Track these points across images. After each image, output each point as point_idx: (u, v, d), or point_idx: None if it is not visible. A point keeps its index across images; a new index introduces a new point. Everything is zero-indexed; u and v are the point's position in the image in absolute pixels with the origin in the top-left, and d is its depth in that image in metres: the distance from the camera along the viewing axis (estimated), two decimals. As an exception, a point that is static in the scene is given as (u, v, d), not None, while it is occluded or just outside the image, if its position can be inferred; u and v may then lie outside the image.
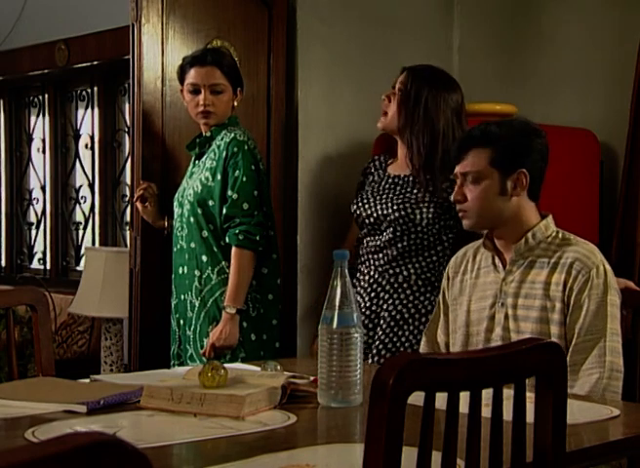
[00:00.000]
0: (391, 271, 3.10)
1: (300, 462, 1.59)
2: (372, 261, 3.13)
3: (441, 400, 1.35)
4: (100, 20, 4.89)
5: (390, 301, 3.09)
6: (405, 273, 3.09)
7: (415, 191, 3.10)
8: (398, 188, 3.14)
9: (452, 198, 2.51)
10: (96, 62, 5.12)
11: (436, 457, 1.37)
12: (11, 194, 5.87)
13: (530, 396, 1.48)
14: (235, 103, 3.20)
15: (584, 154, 3.70)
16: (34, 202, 5.77)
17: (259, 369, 2.34)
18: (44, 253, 5.70)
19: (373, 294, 3.11)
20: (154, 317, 3.43)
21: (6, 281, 5.31)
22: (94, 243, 5.36)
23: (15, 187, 5.87)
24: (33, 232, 5.80)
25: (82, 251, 5.41)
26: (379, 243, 3.11)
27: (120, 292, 3.87)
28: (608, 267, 2.41)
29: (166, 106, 3.45)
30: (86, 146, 5.44)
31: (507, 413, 1.45)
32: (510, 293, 2.45)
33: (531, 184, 2.45)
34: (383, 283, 3.11)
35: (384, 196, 3.14)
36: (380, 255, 3.11)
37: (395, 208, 3.08)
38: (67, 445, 0.83)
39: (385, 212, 3.09)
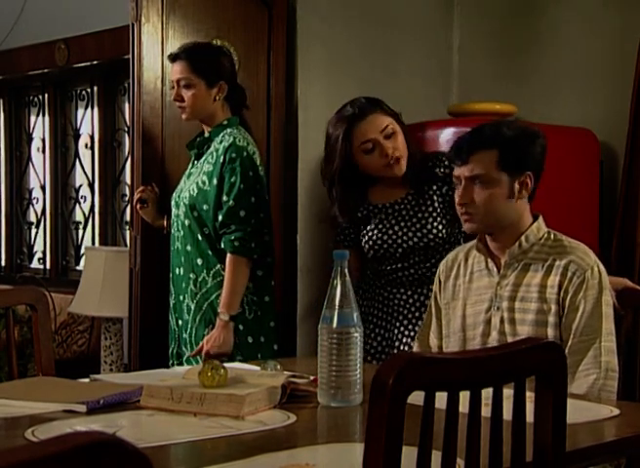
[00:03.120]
0: (425, 286, 3.08)
1: (300, 462, 1.59)
2: (398, 280, 3.10)
3: (441, 399, 1.35)
4: (100, 20, 4.89)
5: None
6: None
7: (426, 209, 3.10)
8: (405, 213, 3.12)
9: (457, 200, 2.44)
10: (95, 62, 5.11)
11: (436, 457, 1.37)
12: (11, 194, 5.86)
13: (530, 395, 1.48)
14: (217, 97, 3.11)
15: (584, 154, 3.70)
16: (34, 201, 5.76)
17: (258, 368, 2.34)
18: (44, 252, 5.69)
19: (414, 308, 3.09)
20: (154, 317, 3.42)
21: (6, 280, 5.30)
22: (94, 242, 5.35)
23: (14, 187, 5.86)
24: (33, 232, 5.79)
25: (82, 250, 5.40)
26: (401, 266, 3.09)
27: (120, 292, 3.87)
28: (602, 268, 2.40)
29: (166, 106, 3.45)
30: (86, 146, 5.43)
31: (507, 413, 1.46)
32: (506, 297, 2.43)
33: (533, 186, 2.44)
34: (416, 296, 3.10)
35: (402, 224, 3.11)
36: (407, 273, 3.09)
37: (425, 232, 3.07)
38: (67, 444, 0.83)
39: (416, 240, 3.07)
